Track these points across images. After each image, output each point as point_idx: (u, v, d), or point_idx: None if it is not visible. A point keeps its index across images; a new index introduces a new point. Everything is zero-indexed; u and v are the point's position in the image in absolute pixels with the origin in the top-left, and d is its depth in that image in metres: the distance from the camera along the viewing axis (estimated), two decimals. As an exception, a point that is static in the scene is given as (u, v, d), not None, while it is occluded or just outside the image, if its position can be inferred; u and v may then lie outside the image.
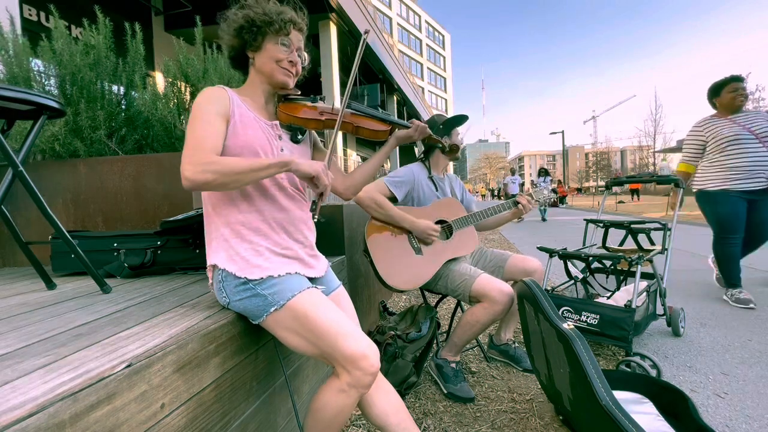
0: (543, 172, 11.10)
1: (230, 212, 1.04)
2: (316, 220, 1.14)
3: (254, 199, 1.06)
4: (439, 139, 1.44)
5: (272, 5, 1.09)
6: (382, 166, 1.40)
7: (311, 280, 1.12)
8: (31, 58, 2.17)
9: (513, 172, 12.23)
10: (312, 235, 1.18)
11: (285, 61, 1.10)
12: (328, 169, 1.19)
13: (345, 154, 16.10)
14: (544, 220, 10.97)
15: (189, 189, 0.93)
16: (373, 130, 1.25)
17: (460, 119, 1.90)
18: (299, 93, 1.22)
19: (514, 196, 2.15)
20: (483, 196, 52.00)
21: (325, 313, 0.97)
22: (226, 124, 1.03)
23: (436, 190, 1.92)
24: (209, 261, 1.05)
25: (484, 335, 2.26)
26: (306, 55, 1.17)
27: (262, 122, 1.11)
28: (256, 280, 0.99)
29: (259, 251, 1.03)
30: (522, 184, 11.49)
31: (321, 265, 1.19)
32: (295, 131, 1.19)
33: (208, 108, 1.00)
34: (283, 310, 0.96)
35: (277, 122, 1.15)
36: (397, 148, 1.39)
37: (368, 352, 0.94)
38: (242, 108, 1.08)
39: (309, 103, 1.20)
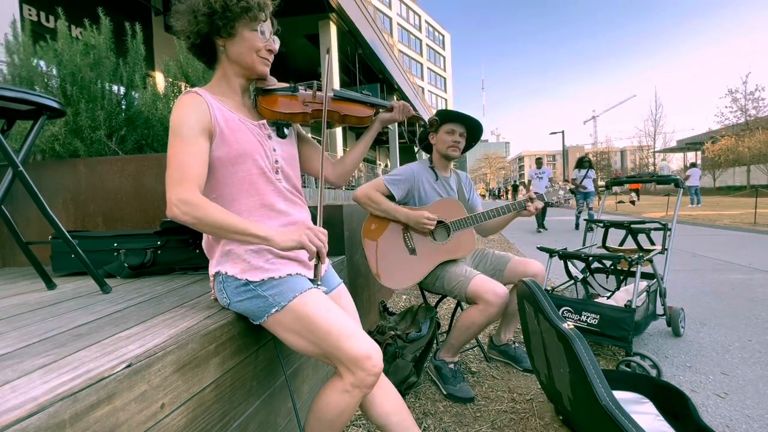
0: (585, 164, 7.69)
1: None
2: (318, 285, 1.01)
3: (253, 204, 1.04)
4: (420, 116, 1.38)
5: None
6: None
7: (312, 281, 1.11)
8: (32, 58, 2.17)
9: (540, 164, 8.43)
10: None
11: (264, 50, 1.05)
12: (321, 171, 1.16)
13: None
14: (577, 227, 7.91)
15: (171, 219, 0.93)
16: (360, 117, 1.22)
17: (456, 114, 1.81)
18: (274, 81, 1.15)
19: (542, 197, 1.79)
20: (483, 196, 51.90)
21: (327, 314, 0.96)
22: (210, 139, 0.98)
23: (439, 189, 1.88)
24: (212, 269, 1.04)
25: (485, 335, 2.26)
26: (277, 38, 1.10)
27: (249, 123, 1.06)
28: (256, 281, 0.98)
29: (260, 253, 1.02)
30: (551, 178, 8.33)
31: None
32: (281, 126, 1.13)
33: (188, 124, 0.94)
34: (284, 311, 0.96)
35: (264, 121, 1.09)
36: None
37: (372, 352, 0.94)
38: (224, 111, 1.01)
39: (289, 93, 1.12)
